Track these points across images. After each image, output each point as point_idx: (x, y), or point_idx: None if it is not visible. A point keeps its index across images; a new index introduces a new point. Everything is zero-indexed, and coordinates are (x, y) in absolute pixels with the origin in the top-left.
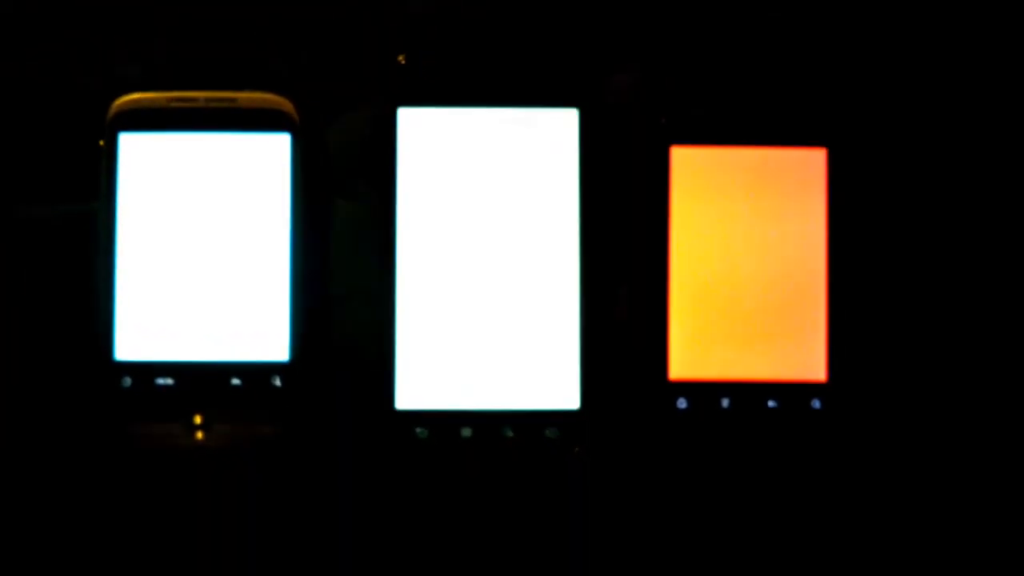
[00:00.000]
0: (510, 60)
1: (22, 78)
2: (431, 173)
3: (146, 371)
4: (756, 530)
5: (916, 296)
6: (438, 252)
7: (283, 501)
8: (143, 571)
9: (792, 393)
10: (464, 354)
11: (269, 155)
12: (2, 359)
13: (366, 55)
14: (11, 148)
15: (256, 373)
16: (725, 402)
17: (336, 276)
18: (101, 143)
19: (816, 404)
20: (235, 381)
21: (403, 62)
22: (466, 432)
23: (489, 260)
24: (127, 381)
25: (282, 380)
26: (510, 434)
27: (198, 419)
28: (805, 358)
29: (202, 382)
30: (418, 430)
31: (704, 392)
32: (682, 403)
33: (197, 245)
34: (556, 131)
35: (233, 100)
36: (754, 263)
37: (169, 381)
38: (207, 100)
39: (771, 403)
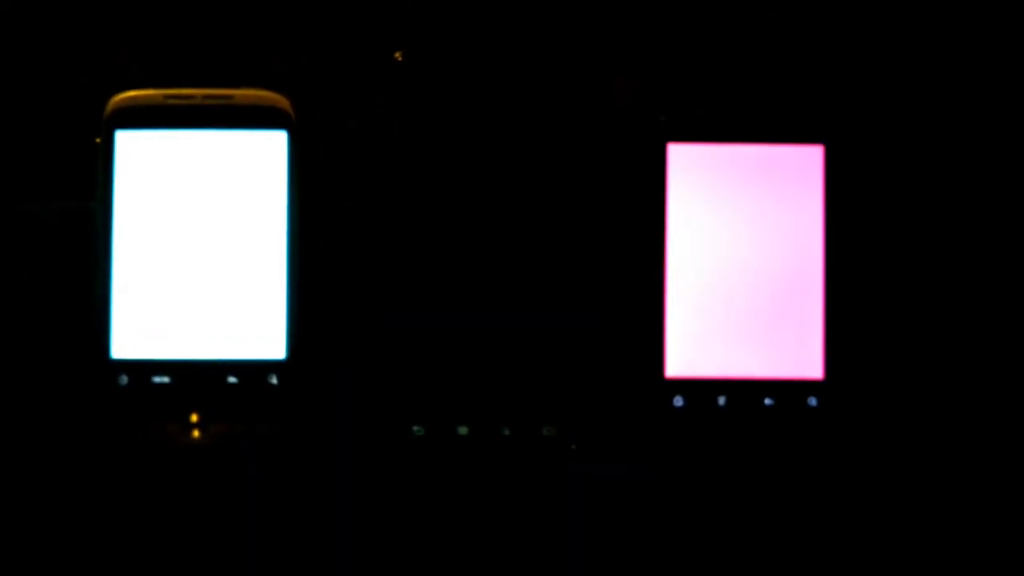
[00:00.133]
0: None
1: (21, 77)
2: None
3: (143, 369)
4: (753, 528)
5: (913, 293)
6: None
7: (280, 499)
8: (141, 569)
9: (789, 391)
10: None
11: (266, 152)
12: None
13: (366, 55)
14: (9, 146)
15: (253, 371)
16: (722, 400)
17: None
18: (98, 140)
19: (812, 402)
20: (232, 379)
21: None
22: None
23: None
24: (124, 379)
25: (279, 378)
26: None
27: (195, 417)
28: (802, 356)
29: (199, 380)
30: (415, 428)
31: (701, 390)
32: (679, 401)
33: (194, 243)
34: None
35: (230, 97)
36: (751, 261)
37: (166, 379)
38: (204, 97)
39: (768, 401)
